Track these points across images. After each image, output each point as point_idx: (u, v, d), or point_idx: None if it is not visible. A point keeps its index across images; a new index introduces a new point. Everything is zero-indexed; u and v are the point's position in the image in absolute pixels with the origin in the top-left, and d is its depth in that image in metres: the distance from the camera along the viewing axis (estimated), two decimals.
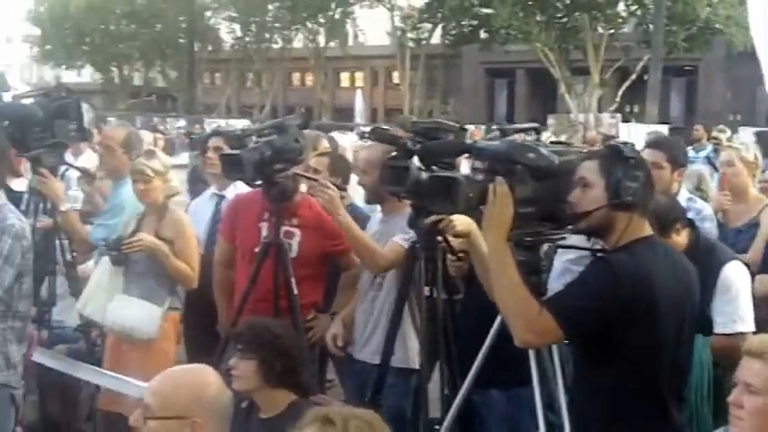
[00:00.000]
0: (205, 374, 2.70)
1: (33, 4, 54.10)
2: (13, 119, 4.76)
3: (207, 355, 4.37)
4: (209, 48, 51.69)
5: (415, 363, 4.21)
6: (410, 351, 4.23)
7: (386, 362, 4.00)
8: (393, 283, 4.28)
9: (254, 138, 4.42)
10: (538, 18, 35.96)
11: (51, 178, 5.18)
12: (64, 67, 53.94)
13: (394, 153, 3.76)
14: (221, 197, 5.54)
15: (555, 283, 3.37)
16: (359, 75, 54.07)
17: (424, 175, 3.47)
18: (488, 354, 3.44)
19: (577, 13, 35.45)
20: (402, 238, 4.17)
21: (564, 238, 3.28)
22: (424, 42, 45.49)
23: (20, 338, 3.95)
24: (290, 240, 4.49)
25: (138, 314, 4.79)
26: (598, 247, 3.15)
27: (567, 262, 3.85)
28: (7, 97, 5.39)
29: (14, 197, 4.83)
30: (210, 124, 30.44)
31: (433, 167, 3.54)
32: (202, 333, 5.22)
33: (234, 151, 4.19)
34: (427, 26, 45.12)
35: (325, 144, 6.24)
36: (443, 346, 3.92)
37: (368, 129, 9.78)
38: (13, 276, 3.77)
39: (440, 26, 44.11)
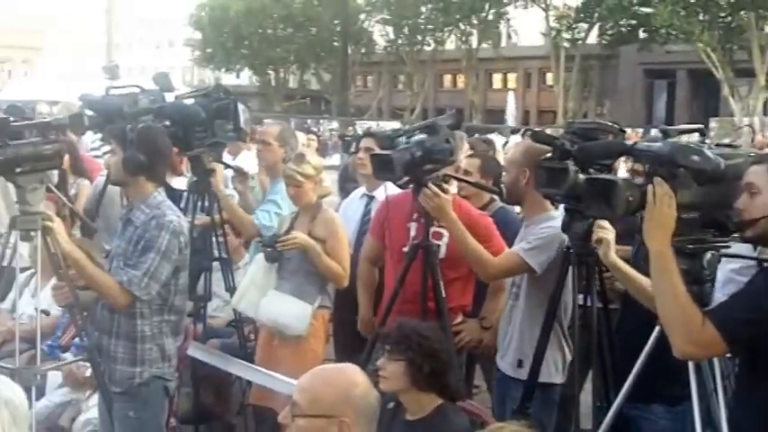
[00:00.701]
0: (353, 374, 2.68)
1: (195, 9, 56.26)
2: (177, 119, 4.90)
3: (355, 355, 4.38)
4: (362, 50, 52.43)
5: (555, 377, 4.12)
6: (550, 365, 4.11)
7: (535, 372, 3.91)
8: (529, 291, 4.19)
9: (403, 138, 4.38)
10: (700, 17, 34.68)
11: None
12: (223, 69, 55.86)
13: (548, 154, 3.65)
14: (371, 198, 5.55)
15: (718, 294, 3.19)
16: (511, 76, 53.63)
17: (582, 177, 3.35)
18: (649, 366, 3.28)
19: (743, 12, 33.99)
20: (522, 247, 4.09)
21: (728, 247, 3.10)
22: (579, 42, 44.68)
23: (175, 332, 4.08)
24: (439, 241, 4.44)
25: (290, 311, 4.84)
26: (765, 256, 2.99)
27: (731, 272, 3.64)
28: (170, 97, 5.55)
29: (174, 195, 4.98)
30: (362, 126, 30.86)
31: (590, 170, 3.42)
32: (351, 332, 5.23)
33: (384, 151, 4.16)
34: (583, 26, 44.30)
35: (465, 147, 6.16)
36: (597, 356, 3.78)
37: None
38: (170, 271, 3.89)
39: (596, 26, 43.21)
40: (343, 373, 2.69)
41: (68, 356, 5.14)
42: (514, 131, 21.80)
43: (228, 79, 51.80)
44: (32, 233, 3.76)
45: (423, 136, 4.20)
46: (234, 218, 5.45)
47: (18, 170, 3.70)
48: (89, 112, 5.33)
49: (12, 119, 3.84)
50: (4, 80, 63.81)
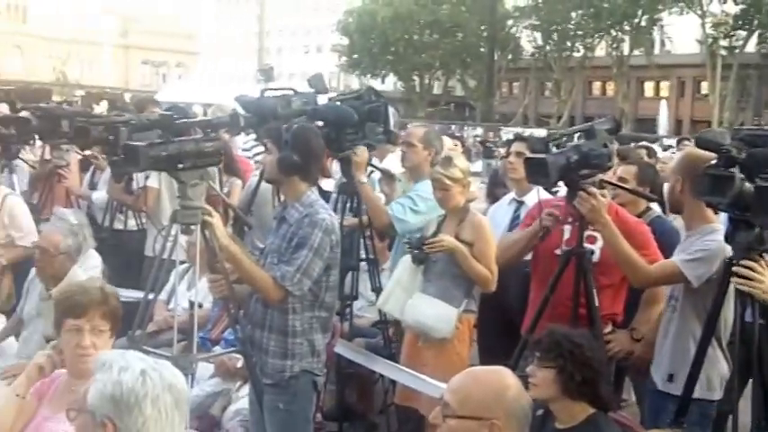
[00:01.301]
0: (506, 376, 2.67)
1: (343, 16, 57.26)
2: (330, 120, 4.98)
3: (499, 361, 4.33)
4: (509, 56, 52.06)
5: (712, 393, 3.97)
6: (708, 380, 3.95)
7: (691, 386, 3.76)
8: (685, 304, 4.05)
9: (552, 144, 4.30)
10: None
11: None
12: (369, 75, 56.60)
13: (713, 161, 3.51)
14: (520, 203, 5.49)
15: None
16: (664, 84, 52.12)
17: (749, 185, 3.20)
18: None
19: None
20: (682, 258, 3.96)
21: None
22: (737, 51, 42.94)
23: (324, 328, 4.15)
24: (593, 245, 4.34)
25: (435, 313, 4.83)
26: None
27: None
28: (323, 99, 5.65)
29: (324, 196, 5.06)
30: (507, 133, 30.64)
31: (757, 178, 3.27)
32: (496, 337, 5.19)
33: (539, 155, 4.10)
34: (741, 33, 42.56)
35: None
36: (757, 373, 3.60)
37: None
38: (321, 268, 3.96)
39: (755, 33, 41.42)
40: (495, 375, 2.68)
41: (218, 349, 5.30)
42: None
43: (374, 85, 52.41)
44: (192, 227, 3.89)
45: (579, 140, 4.12)
46: (368, 202, 5.44)
47: (180, 166, 3.84)
48: (243, 113, 5.53)
49: (175, 117, 3.99)
50: (159, 83, 66.75)
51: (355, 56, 56.17)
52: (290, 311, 3.99)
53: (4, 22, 71.10)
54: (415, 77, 57.14)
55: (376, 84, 53.96)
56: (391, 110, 5.42)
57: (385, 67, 56.06)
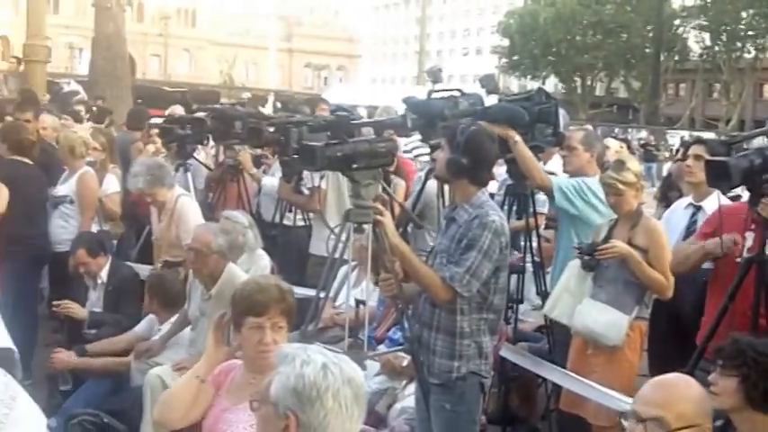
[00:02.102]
0: (695, 383, 2.65)
1: (504, 17, 56.90)
2: (501, 120, 4.94)
3: (672, 370, 4.18)
4: (675, 57, 50.39)
5: None
6: None
7: None
8: None
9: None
10: None
11: None
12: (529, 77, 56.02)
13: None
14: (698, 208, 5.30)
15: None
16: None
17: None
18: None
19: None
20: None
21: None
22: None
23: (492, 330, 4.12)
24: None
25: (606, 320, 4.73)
26: None
27: None
28: (492, 100, 5.62)
29: None
30: (673, 136, 29.67)
31: None
32: (667, 345, 5.04)
33: (720, 158, 3.93)
34: None
35: None
36: None
37: None
38: (490, 270, 3.93)
39: None
40: (690, 382, 2.67)
41: (382, 347, 5.36)
42: None
43: (533, 86, 51.83)
44: (364, 226, 3.95)
45: (763, 142, 3.93)
46: (526, 160, 5.14)
47: (354, 166, 3.91)
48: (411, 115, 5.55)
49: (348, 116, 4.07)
50: (321, 86, 68.34)
51: (516, 57, 55.73)
52: (459, 312, 3.98)
53: (174, 26, 74.55)
54: (577, 79, 56.13)
55: (535, 85, 53.33)
56: (562, 112, 5.32)
57: (546, 69, 55.36)
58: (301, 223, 7.08)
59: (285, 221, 7.03)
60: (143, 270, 6.55)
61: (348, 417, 2.28)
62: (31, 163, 6.51)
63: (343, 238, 4.07)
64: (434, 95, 5.63)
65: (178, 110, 10.68)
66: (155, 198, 6.40)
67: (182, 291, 5.70)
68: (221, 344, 3.51)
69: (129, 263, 6.74)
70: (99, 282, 6.09)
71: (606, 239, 4.84)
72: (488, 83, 5.47)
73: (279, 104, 16.56)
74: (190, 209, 6.44)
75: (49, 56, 15.22)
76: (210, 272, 5.08)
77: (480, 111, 5.03)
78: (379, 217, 3.94)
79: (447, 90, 5.76)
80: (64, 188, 6.75)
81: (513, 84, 58.00)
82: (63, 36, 57.92)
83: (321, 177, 6.50)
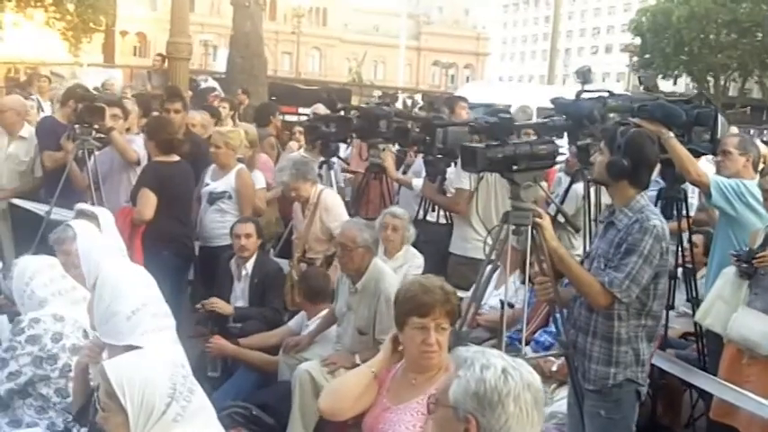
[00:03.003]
0: None
1: (636, 15, 55.59)
2: (658, 118, 4.83)
3: None
4: None
5: None
6: None
7: None
8: None
9: None
10: None
11: None
12: (661, 76, 54.52)
13: None
14: None
15: None
16: None
17: None
18: None
19: None
20: None
21: None
22: None
23: (650, 337, 4.05)
24: None
25: (762, 329, 4.60)
26: None
27: None
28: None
29: None
30: None
31: None
32: None
33: None
34: None
35: None
36: None
37: None
38: (650, 276, 3.86)
39: None
40: None
41: (528, 350, 5.32)
42: None
43: (665, 85, 50.48)
44: (523, 228, 3.94)
45: None
46: (680, 154, 5.00)
47: (515, 167, 3.90)
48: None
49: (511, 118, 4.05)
50: (448, 84, 68.28)
51: (647, 56, 54.30)
52: (616, 318, 3.92)
53: (306, 25, 75.89)
54: (710, 79, 54.30)
55: (667, 85, 51.96)
56: (721, 119, 5.16)
57: (677, 68, 53.71)
58: (443, 221, 7.08)
59: (429, 217, 7.05)
60: (282, 265, 6.76)
61: (529, 422, 2.28)
62: (178, 160, 6.60)
63: (501, 239, 4.06)
64: (583, 96, 5.57)
65: (320, 108, 10.89)
66: (298, 192, 6.57)
67: (325, 286, 5.84)
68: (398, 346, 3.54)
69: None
70: (244, 273, 6.27)
71: (763, 246, 4.69)
72: (584, 75, 5.35)
73: (411, 103, 16.66)
74: (334, 200, 6.60)
75: (190, 53, 15.71)
76: (357, 266, 5.22)
77: (638, 107, 4.92)
78: (538, 220, 3.93)
79: (596, 91, 5.68)
80: (221, 184, 6.90)
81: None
82: (198, 34, 59.72)
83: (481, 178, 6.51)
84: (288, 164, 6.79)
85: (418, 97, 21.70)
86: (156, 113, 8.16)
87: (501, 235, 4.04)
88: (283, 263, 6.77)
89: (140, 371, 2.57)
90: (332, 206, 6.54)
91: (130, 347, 2.99)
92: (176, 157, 6.58)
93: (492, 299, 5.77)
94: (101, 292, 3.21)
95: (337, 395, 3.59)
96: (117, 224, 5.25)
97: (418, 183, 7.13)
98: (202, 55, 62.62)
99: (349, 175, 8.84)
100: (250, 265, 6.27)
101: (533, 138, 4.04)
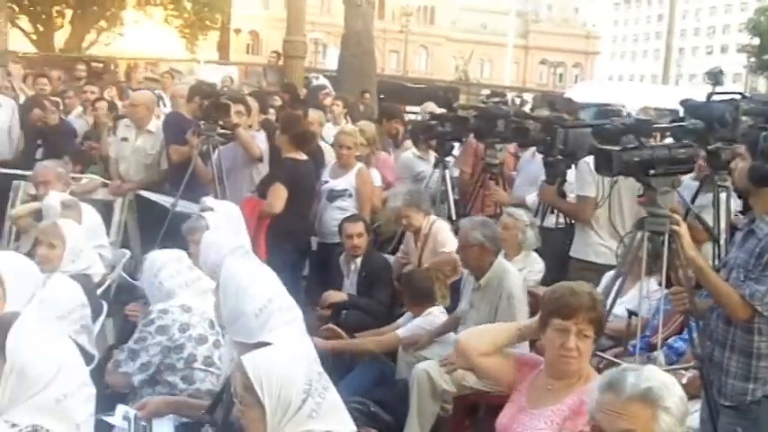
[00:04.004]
0: None
1: (753, 14, 53.81)
2: None
3: None
4: None
5: None
6: None
7: None
8: None
9: None
10: None
11: None
12: None
13: None
14: None
15: None
16: None
17: None
18: None
19: None
20: None
21: None
22: None
23: None
24: None
25: None
26: None
27: None
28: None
29: None
30: None
31: None
32: None
33: None
34: None
35: None
36: None
37: None
38: None
39: None
40: None
41: (658, 355, 5.16)
42: None
43: None
44: (660, 236, 3.81)
45: None
46: None
47: (651, 172, 3.78)
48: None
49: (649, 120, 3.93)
50: (555, 83, 67.43)
51: (766, 57, 52.48)
52: (756, 332, 3.74)
53: (413, 23, 76.01)
54: None
55: None
56: None
57: None
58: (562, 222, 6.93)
59: (545, 223, 6.90)
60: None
61: None
62: (305, 159, 6.80)
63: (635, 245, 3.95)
64: (714, 98, 5.37)
65: (430, 106, 10.85)
66: (409, 221, 6.54)
67: (430, 287, 5.85)
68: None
69: None
70: (353, 268, 6.37)
71: None
72: (715, 77, 5.14)
73: (520, 102, 16.47)
74: (446, 234, 6.50)
75: (305, 51, 15.91)
76: (476, 264, 5.29)
77: None
78: (675, 227, 3.79)
79: (728, 93, 5.48)
80: (341, 182, 7.03)
81: (761, 84, 54.75)
82: (308, 32, 60.51)
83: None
84: (403, 189, 6.81)
85: (527, 96, 21.46)
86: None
87: (635, 242, 3.91)
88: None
89: (278, 366, 2.60)
90: (443, 241, 6.46)
91: (260, 344, 3.01)
92: (305, 156, 6.78)
93: (616, 307, 5.63)
94: (225, 293, 3.24)
95: (477, 332, 3.63)
96: (243, 215, 5.39)
97: (532, 199, 6.97)
98: (312, 53, 63.34)
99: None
100: (359, 260, 6.38)
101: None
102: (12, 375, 2.54)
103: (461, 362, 4.79)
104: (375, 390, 5.50)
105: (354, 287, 6.36)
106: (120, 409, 3.59)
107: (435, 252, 6.44)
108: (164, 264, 4.24)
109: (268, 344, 2.98)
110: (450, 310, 5.79)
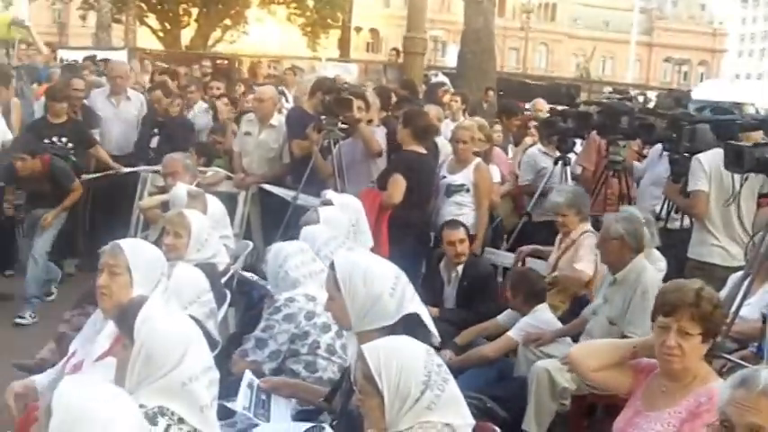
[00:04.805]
0: None
1: None
2: None
3: None
4: None
5: None
6: None
7: None
8: None
9: None
10: None
11: None
12: None
13: None
14: None
15: None
16: None
17: None
18: None
19: None
20: None
21: None
22: None
23: None
24: None
25: None
26: None
27: None
28: None
29: None
30: None
31: None
32: None
33: None
34: None
35: None
36: None
37: None
38: None
39: None
40: None
41: None
42: None
43: None
44: None
45: None
46: None
47: None
48: None
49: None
50: (679, 81, 65.58)
51: None
52: None
53: (534, 20, 75.23)
54: None
55: None
56: None
57: None
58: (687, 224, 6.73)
59: (669, 225, 6.71)
60: (507, 258, 6.80)
61: None
62: (425, 152, 6.85)
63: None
64: None
65: (539, 103, 10.81)
66: (565, 220, 6.27)
67: (543, 286, 5.79)
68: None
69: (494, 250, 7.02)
70: (454, 275, 6.25)
71: None
72: None
73: (643, 99, 16.08)
74: (590, 248, 6.07)
75: (425, 48, 15.94)
76: (614, 258, 5.21)
77: None
78: None
79: None
80: (459, 177, 7.01)
81: None
82: (428, 30, 60.64)
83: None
84: (568, 188, 6.67)
85: (651, 94, 20.96)
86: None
87: (765, 243, 3.78)
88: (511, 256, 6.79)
89: (398, 356, 2.61)
90: (581, 256, 6.21)
91: (383, 330, 3.03)
92: (424, 150, 6.81)
93: (744, 309, 5.46)
94: (353, 286, 3.19)
95: (591, 348, 3.62)
96: (363, 207, 5.46)
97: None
98: (431, 50, 63.47)
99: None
100: (460, 267, 6.23)
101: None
102: (140, 358, 2.63)
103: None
104: (493, 386, 5.46)
105: (454, 297, 6.24)
106: (247, 375, 3.69)
107: (571, 262, 6.19)
108: (289, 254, 4.33)
109: (393, 329, 3.01)
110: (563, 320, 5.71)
